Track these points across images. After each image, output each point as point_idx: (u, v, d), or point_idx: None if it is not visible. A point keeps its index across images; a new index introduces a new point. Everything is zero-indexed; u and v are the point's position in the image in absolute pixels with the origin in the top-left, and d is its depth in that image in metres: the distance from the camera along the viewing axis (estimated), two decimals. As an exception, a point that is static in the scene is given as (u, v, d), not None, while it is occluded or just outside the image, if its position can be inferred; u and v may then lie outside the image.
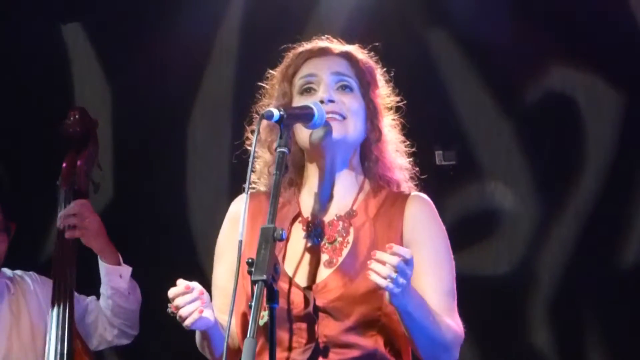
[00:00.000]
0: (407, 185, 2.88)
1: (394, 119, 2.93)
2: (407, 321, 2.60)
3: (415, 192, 2.84)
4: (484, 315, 4.75)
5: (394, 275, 2.47)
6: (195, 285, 2.61)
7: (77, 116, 4.25)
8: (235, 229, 2.82)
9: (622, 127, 4.76)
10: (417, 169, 2.91)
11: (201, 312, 2.58)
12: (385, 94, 2.92)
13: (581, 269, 4.76)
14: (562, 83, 4.84)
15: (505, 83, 4.89)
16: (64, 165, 4.17)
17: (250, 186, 2.82)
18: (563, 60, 4.83)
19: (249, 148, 2.83)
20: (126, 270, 4.07)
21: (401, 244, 2.74)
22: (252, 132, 2.82)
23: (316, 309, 2.67)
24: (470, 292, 4.50)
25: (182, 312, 2.59)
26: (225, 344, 2.51)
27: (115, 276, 4.04)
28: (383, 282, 2.48)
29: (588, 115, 4.80)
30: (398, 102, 2.94)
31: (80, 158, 4.19)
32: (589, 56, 4.78)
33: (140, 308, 4.15)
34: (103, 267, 4.06)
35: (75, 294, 4.10)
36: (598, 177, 4.77)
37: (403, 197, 2.81)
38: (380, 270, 2.48)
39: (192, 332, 2.78)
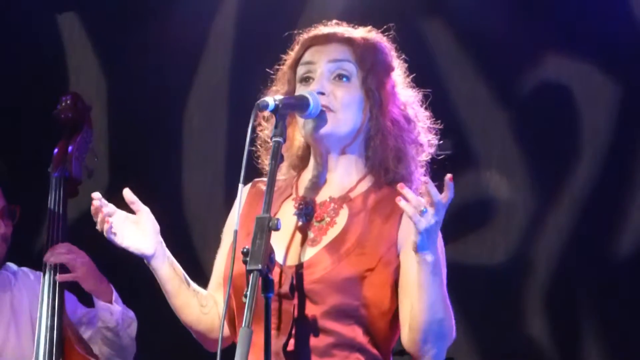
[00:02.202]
0: (416, 185, 2.80)
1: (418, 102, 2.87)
2: (423, 277, 2.51)
3: None
4: (479, 305, 4.76)
5: (423, 207, 2.43)
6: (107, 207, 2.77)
7: (69, 101, 4.22)
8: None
9: (618, 116, 4.76)
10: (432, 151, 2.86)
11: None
12: (401, 78, 2.86)
13: (577, 258, 4.77)
14: (558, 73, 4.84)
15: (501, 72, 4.89)
16: (56, 151, 4.14)
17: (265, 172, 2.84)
18: (559, 49, 4.82)
19: (260, 134, 2.84)
20: (115, 309, 3.98)
21: (396, 242, 2.70)
22: (264, 118, 2.82)
23: (293, 289, 2.63)
24: (466, 282, 4.53)
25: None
26: (220, 334, 2.51)
27: (105, 312, 3.97)
28: (410, 210, 2.43)
29: (584, 104, 4.80)
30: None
31: (72, 144, 4.16)
32: (585, 46, 4.77)
33: (135, 299, 4.11)
34: (95, 301, 4.00)
35: (74, 297, 4.10)
36: (594, 167, 4.77)
37: None
38: (411, 198, 2.44)
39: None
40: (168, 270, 2.80)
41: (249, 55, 5.01)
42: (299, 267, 2.66)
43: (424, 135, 2.84)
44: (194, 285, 2.84)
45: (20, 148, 5.24)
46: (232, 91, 5.15)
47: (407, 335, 2.64)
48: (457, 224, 4.71)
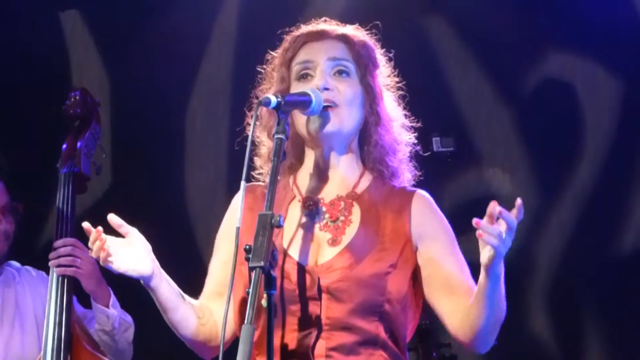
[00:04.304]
0: (406, 177, 2.86)
1: (396, 99, 2.89)
2: (490, 288, 2.55)
3: (419, 190, 2.82)
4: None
5: (504, 236, 2.47)
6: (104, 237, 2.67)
7: (77, 97, 4.20)
8: (234, 221, 2.82)
9: (621, 114, 4.77)
10: (419, 147, 2.90)
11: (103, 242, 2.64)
12: (385, 74, 2.89)
13: (579, 255, 4.77)
14: (560, 70, 4.84)
15: (504, 69, 4.89)
16: (64, 147, 4.13)
17: (255, 172, 2.86)
18: (562, 47, 4.83)
19: (249, 134, 2.83)
20: (112, 313, 3.97)
21: (410, 238, 2.74)
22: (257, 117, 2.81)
23: (320, 289, 2.65)
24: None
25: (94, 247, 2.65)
26: (222, 333, 2.51)
27: (102, 315, 3.97)
28: (495, 242, 2.46)
29: (586, 102, 4.81)
30: (397, 84, 2.92)
31: (80, 139, 4.14)
32: (588, 43, 4.77)
33: (135, 297, 4.10)
34: (92, 303, 4.00)
35: (73, 297, 4.09)
36: (596, 164, 4.77)
37: (408, 194, 2.80)
38: (493, 231, 2.47)
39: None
40: (166, 287, 2.75)
41: (252, 54, 5.00)
42: (323, 267, 2.68)
43: (405, 133, 2.88)
44: (187, 297, 2.83)
45: (24, 145, 5.24)
46: (234, 89, 5.15)
47: (466, 331, 2.68)
48: (459, 221, 4.71)
